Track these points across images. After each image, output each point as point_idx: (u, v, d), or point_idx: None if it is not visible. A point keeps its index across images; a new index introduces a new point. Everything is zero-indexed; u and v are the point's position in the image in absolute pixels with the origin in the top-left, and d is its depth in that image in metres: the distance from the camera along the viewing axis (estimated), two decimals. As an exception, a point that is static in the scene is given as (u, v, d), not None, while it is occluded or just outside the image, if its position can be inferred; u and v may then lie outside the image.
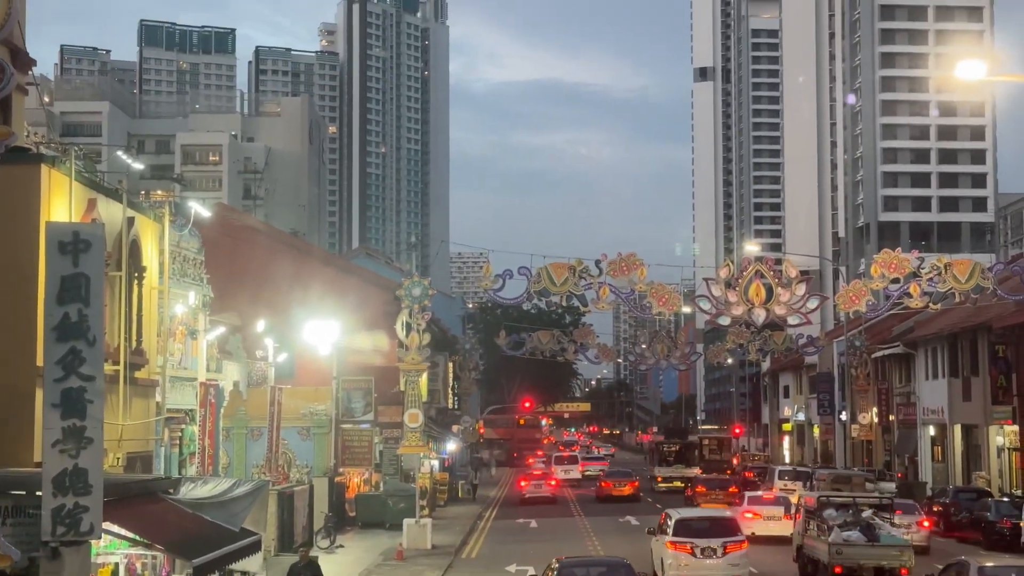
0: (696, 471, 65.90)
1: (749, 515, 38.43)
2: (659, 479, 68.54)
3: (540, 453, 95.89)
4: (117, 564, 18.24)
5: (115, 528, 16.37)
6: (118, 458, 22.73)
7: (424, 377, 40.10)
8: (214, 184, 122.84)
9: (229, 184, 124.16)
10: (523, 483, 60.97)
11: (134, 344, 23.77)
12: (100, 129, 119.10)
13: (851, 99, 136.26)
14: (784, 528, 36.34)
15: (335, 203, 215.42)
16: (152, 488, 19.29)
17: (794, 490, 46.79)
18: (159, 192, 28.13)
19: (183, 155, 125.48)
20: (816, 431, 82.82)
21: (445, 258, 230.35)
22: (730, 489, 52.67)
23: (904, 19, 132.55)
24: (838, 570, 28.28)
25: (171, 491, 19.58)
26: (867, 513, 29.91)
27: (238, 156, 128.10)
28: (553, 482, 62.57)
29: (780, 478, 53.41)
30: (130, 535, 16.88)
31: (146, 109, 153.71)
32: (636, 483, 61.17)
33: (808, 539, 30.60)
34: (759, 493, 43.69)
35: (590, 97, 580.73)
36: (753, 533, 36.10)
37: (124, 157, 42.58)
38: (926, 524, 36.67)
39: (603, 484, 61.23)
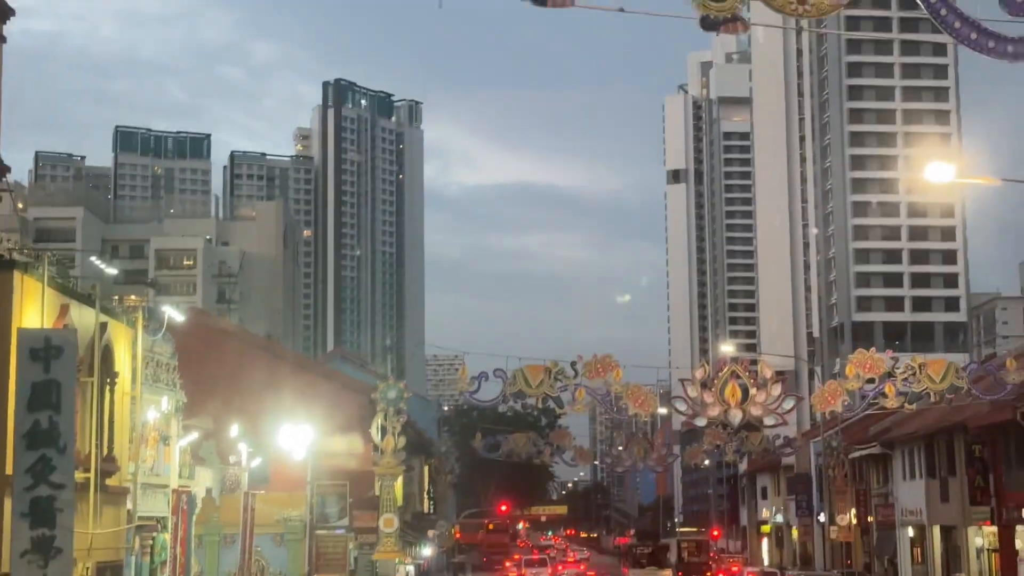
0: (668, 572, 66.28)
1: None
2: None
3: (516, 557, 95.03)
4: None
5: (83, 640, 16.04)
6: (87, 568, 22.34)
7: (399, 481, 39.76)
8: (188, 288, 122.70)
9: (203, 288, 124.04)
10: None
11: (105, 451, 23.49)
12: (74, 235, 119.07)
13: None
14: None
15: (310, 306, 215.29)
16: (122, 598, 18.95)
17: None
18: (132, 297, 28.02)
19: (157, 260, 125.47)
20: (795, 533, 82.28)
21: (420, 361, 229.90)
22: None
23: (873, 122, 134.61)
24: None
25: (141, 601, 19.25)
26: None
27: (212, 260, 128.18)
28: None
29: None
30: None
31: (120, 214, 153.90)
32: None
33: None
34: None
35: (565, 199, 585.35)
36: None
37: (97, 263, 42.46)
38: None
39: None
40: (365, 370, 74.86)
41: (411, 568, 55.15)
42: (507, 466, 76.07)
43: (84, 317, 22.69)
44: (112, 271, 44.49)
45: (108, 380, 23.73)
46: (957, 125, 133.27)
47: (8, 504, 16.14)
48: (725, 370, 39.05)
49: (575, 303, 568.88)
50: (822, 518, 66.83)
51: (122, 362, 24.97)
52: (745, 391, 38.59)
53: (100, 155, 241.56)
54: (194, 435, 31.62)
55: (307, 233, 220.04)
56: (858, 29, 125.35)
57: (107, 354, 23.81)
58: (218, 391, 43.80)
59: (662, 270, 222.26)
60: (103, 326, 23.54)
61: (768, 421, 39.63)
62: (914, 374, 38.96)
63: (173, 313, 29.53)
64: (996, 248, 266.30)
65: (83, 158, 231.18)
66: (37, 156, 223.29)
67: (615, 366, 38.90)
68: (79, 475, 20.97)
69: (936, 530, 56.18)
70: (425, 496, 65.91)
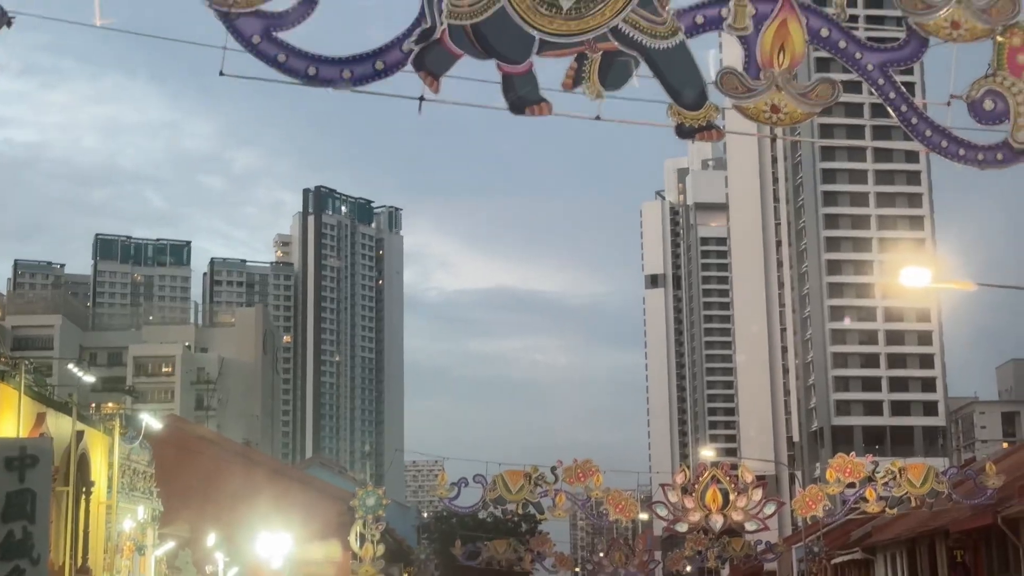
0: None
1: None
2: None
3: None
4: None
5: None
6: None
7: (378, 590, 39.27)
8: (166, 395, 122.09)
9: (182, 395, 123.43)
10: None
11: (80, 562, 23.20)
12: (52, 342, 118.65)
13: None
14: None
15: (289, 412, 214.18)
16: None
17: None
18: (110, 405, 27.95)
19: (135, 367, 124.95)
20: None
21: (400, 467, 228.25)
22: None
23: (848, 228, 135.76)
24: None
25: None
26: None
27: (191, 367, 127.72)
28: None
29: None
30: None
31: (99, 321, 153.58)
32: None
33: None
34: None
35: (544, 304, 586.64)
36: None
37: (75, 370, 42.33)
38: None
39: None
40: (344, 476, 74.36)
41: None
42: (487, 573, 75.13)
43: (61, 425, 22.57)
44: (90, 379, 44.33)
45: (84, 489, 23.52)
46: (931, 230, 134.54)
47: (-20, 616, 15.91)
48: (706, 475, 38.89)
49: (555, 407, 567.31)
50: (805, 625, 66.07)
51: (98, 471, 24.78)
52: (726, 496, 38.40)
53: (80, 263, 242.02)
54: (170, 544, 31.30)
55: (286, 339, 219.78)
56: (831, 136, 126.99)
57: (83, 463, 23.63)
58: (195, 499, 43.39)
59: (641, 374, 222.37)
60: (79, 434, 23.39)
61: (749, 526, 39.38)
62: (894, 478, 38.86)
63: (150, 421, 29.41)
64: (972, 352, 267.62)
65: (63, 266, 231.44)
66: (16, 264, 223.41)
67: (595, 471, 38.72)
68: (53, 586, 20.69)
69: (920, 637, 55.61)
70: (404, 605, 65.07)
